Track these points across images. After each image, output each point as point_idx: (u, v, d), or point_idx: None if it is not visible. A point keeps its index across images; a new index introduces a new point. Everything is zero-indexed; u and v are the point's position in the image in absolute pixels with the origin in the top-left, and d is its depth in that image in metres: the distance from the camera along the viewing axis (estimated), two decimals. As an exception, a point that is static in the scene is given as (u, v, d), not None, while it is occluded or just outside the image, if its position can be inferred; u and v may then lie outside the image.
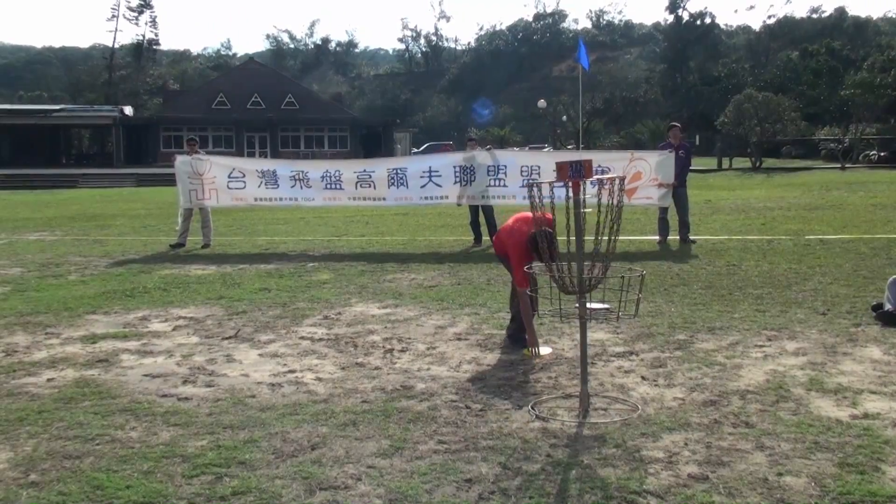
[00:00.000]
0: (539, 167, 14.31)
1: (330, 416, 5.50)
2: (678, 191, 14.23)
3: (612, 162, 14.18)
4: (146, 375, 6.65)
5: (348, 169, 15.11)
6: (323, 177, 14.85)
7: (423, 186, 14.74)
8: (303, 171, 14.99)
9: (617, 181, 5.30)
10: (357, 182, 14.71)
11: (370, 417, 5.46)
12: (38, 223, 21.49)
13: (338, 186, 14.76)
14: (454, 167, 14.74)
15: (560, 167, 5.38)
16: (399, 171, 14.79)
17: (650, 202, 14.33)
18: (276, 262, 13.09)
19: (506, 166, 14.60)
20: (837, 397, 5.63)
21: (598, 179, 5.36)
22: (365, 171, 14.94)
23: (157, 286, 11.04)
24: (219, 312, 9.22)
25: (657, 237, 14.49)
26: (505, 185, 14.57)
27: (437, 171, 14.79)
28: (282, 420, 5.44)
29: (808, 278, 10.45)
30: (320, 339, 7.82)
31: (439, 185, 14.74)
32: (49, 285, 11.24)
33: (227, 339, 7.91)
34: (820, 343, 7.14)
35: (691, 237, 14.33)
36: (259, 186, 14.90)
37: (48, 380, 6.54)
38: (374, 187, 14.67)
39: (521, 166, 14.57)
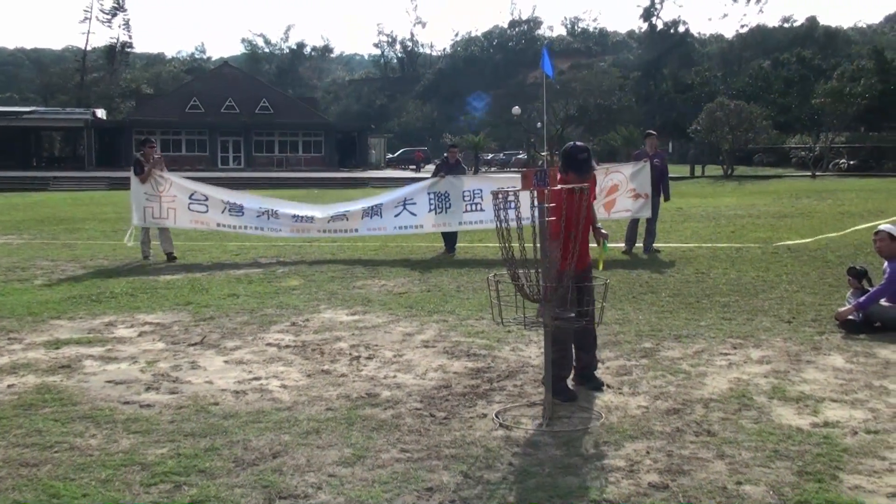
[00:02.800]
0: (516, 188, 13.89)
1: (293, 424, 5.47)
2: (652, 199, 14.18)
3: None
4: (109, 382, 6.58)
5: (323, 212, 14.52)
6: (295, 217, 14.30)
7: (396, 216, 14.36)
8: (273, 210, 14.32)
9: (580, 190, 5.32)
10: (330, 219, 14.25)
11: (333, 426, 5.44)
12: (7, 226, 21.26)
13: (309, 222, 14.27)
14: (429, 194, 14.38)
15: (524, 175, 5.39)
16: (374, 207, 14.38)
17: (628, 214, 14.23)
18: (245, 268, 13.02)
19: (481, 190, 14.12)
20: (799, 406, 5.67)
21: (564, 188, 5.35)
22: (339, 213, 14.39)
23: (124, 291, 10.94)
24: (186, 318, 9.15)
25: (623, 245, 14.40)
26: (482, 210, 14.09)
27: (411, 199, 14.41)
28: (244, 428, 5.40)
29: (774, 286, 10.53)
30: (287, 346, 7.78)
31: (414, 214, 14.35)
32: (14, 290, 11.11)
33: (192, 345, 7.85)
34: (784, 351, 7.19)
35: (655, 246, 14.35)
36: (223, 212, 14.15)
37: (8, 386, 6.46)
38: (347, 219, 14.25)
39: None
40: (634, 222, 14.39)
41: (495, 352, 7.43)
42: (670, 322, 8.52)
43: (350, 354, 7.44)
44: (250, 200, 14.55)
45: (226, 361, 7.24)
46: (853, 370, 6.54)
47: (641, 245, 14.36)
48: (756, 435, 5.08)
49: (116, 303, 10.17)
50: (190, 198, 14.24)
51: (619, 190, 13.92)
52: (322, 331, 8.47)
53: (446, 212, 14.32)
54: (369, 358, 7.32)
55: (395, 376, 6.70)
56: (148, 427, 5.44)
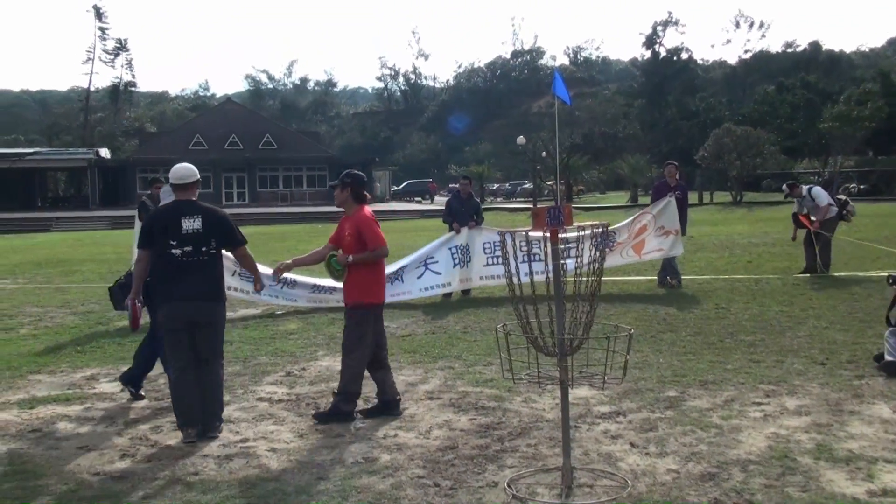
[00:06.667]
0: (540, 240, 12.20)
1: (280, 499, 4.86)
2: None
3: (615, 226, 13.13)
4: (81, 448, 5.98)
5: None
6: (314, 287, 12.62)
7: (419, 277, 13.11)
8: (291, 279, 12.39)
9: (601, 229, 4.74)
10: None
11: (325, 499, 4.82)
12: (2, 270, 20.72)
13: (328, 293, 12.62)
14: (450, 248, 13.26)
15: (536, 214, 4.81)
16: (398, 272, 13.03)
17: (662, 253, 13.36)
18: (242, 310, 12.43)
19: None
20: (850, 468, 5.02)
21: (579, 227, 4.75)
22: None
23: (111, 340, 10.36)
24: (173, 370, 8.55)
25: (672, 280, 13.55)
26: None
27: (432, 258, 13.23)
28: (224, 505, 4.79)
29: (801, 322, 9.89)
30: (280, 401, 7.19)
31: (437, 273, 13.16)
32: (-3, 340, 10.53)
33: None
34: (823, 399, 6.55)
35: (671, 279, 13.66)
36: (233, 275, 11.93)
37: (-30, 456, 5.86)
38: None
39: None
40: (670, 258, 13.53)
41: (506, 404, 6.82)
42: (694, 365, 7.89)
43: (347, 410, 6.83)
44: (264, 269, 13.01)
45: (212, 421, 6.63)
46: (904, 422, 5.90)
47: (657, 277, 13.76)
48: (807, 507, 4.44)
49: (102, 353, 9.59)
50: None
51: (647, 230, 13.13)
52: (318, 381, 7.88)
53: (466, 265, 13.25)
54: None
55: (395, 435, 6.09)
56: (116, 506, 4.83)
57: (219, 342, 6.44)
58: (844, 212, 14.56)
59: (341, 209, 6.92)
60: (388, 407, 6.70)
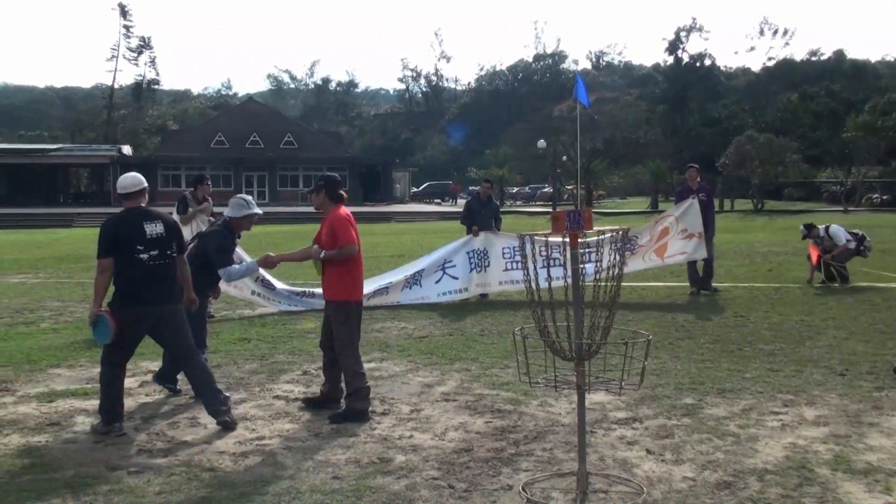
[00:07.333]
0: (559, 245, 12.03)
1: (294, 497, 4.87)
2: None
3: (637, 229, 13.13)
4: (98, 442, 6.03)
5: (365, 288, 12.53)
6: None
7: (437, 282, 13.17)
8: (309, 291, 12.61)
9: (620, 233, 4.71)
10: (372, 295, 12.34)
11: (339, 499, 4.83)
12: (24, 265, 20.91)
13: None
14: (468, 253, 13.26)
15: (556, 217, 4.80)
16: (416, 276, 13.15)
17: (685, 256, 13.18)
18: (260, 308, 12.46)
19: None
20: (868, 480, 4.97)
21: (599, 231, 4.74)
22: (381, 287, 12.85)
23: (130, 335, 10.40)
24: (191, 366, 8.59)
25: (692, 287, 13.45)
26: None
27: (450, 262, 13.26)
28: (238, 501, 4.80)
29: (821, 332, 9.82)
30: (296, 399, 7.21)
31: (455, 277, 13.18)
32: (17, 334, 10.62)
33: (194, 397, 7.28)
34: (842, 410, 6.50)
35: (714, 284, 13.54)
36: (256, 281, 12.30)
37: (-12, 448, 5.91)
38: (388, 293, 12.86)
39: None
40: (692, 262, 13.41)
41: (522, 407, 6.81)
42: (712, 373, 7.85)
43: (364, 410, 6.84)
44: (282, 285, 12.74)
45: (228, 418, 6.65)
46: (923, 434, 5.85)
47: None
48: (823, 518, 4.41)
49: (121, 348, 9.62)
50: None
51: (670, 233, 12.97)
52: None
53: (485, 270, 13.21)
54: (384, 413, 6.73)
55: (411, 436, 6.09)
56: (132, 500, 4.86)
57: (188, 337, 6.63)
58: (862, 247, 14.40)
59: (354, 210, 7.04)
60: (330, 402, 6.91)
